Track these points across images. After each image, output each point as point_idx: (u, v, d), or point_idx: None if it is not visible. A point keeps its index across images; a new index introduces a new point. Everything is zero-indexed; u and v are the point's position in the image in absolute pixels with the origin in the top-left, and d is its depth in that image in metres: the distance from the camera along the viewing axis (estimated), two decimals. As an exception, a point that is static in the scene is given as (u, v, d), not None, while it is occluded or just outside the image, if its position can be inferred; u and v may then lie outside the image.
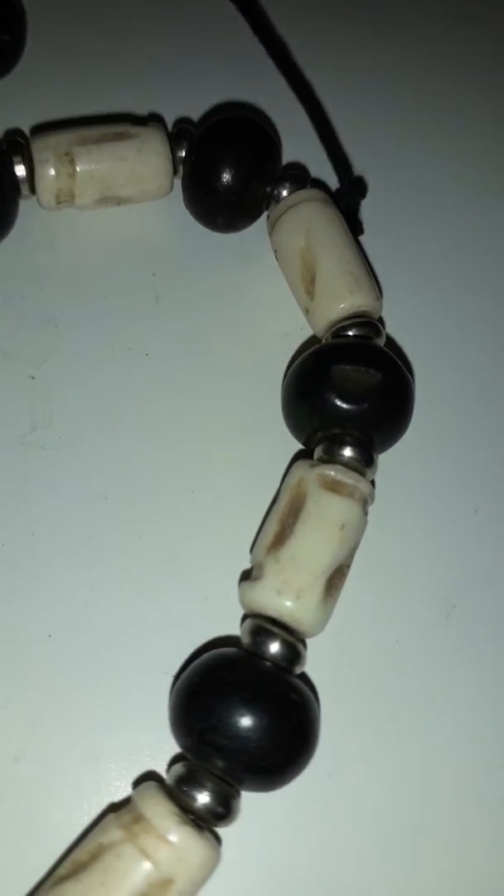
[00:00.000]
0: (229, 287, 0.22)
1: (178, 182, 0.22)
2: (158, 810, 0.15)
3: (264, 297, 0.21)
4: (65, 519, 0.19)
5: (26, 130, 0.22)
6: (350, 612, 0.18)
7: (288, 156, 0.23)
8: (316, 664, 0.18)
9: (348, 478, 0.17)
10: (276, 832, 0.17)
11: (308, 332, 0.21)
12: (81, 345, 0.21)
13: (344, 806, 0.18)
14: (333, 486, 0.17)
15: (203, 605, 0.19)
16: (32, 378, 0.20)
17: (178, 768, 0.16)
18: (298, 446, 0.20)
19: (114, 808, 0.16)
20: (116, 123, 0.21)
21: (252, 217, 0.21)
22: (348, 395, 0.18)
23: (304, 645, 0.17)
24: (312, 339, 0.21)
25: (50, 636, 0.18)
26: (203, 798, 0.15)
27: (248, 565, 0.18)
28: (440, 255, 0.23)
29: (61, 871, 0.15)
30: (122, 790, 0.17)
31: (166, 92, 0.23)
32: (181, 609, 0.19)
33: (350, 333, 0.19)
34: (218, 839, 0.16)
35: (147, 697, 0.18)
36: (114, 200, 0.21)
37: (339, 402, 0.18)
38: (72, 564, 0.19)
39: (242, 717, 0.15)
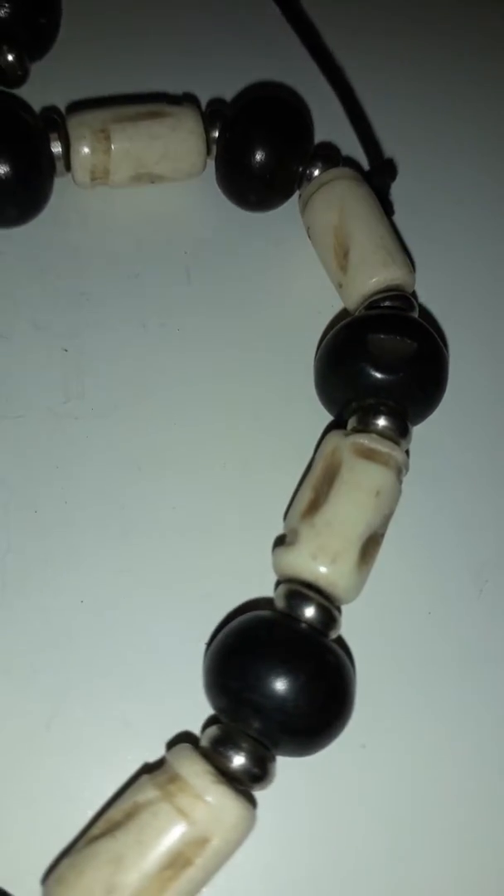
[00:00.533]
0: (260, 265, 0.22)
1: (210, 163, 0.22)
2: (194, 769, 0.15)
3: (295, 275, 0.22)
4: (98, 488, 0.19)
5: (62, 110, 0.23)
6: (382, 582, 0.18)
7: (319, 138, 0.23)
8: (347, 634, 0.18)
9: (383, 446, 0.18)
10: (308, 803, 0.17)
11: (339, 310, 0.21)
12: (114, 319, 0.21)
13: (377, 777, 0.18)
14: (368, 454, 0.17)
15: (235, 576, 0.18)
16: (65, 351, 0.20)
17: (213, 730, 0.16)
18: (329, 420, 0.20)
19: (148, 769, 0.16)
20: (151, 103, 0.21)
21: (284, 196, 0.22)
22: (383, 365, 0.18)
23: (339, 611, 0.17)
24: (344, 314, 0.21)
25: (82, 602, 0.18)
26: (239, 759, 0.15)
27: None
28: (470, 234, 0.23)
29: (94, 830, 0.15)
30: (156, 754, 0.17)
31: (199, 74, 0.23)
32: (213, 578, 0.18)
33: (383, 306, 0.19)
34: (253, 802, 0.16)
35: (179, 665, 0.18)
36: (147, 178, 0.21)
37: (373, 372, 0.18)
38: (104, 532, 0.19)
39: (280, 676, 0.15)
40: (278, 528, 0.19)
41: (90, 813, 0.16)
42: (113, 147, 0.20)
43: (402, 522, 0.18)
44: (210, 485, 0.19)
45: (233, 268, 0.22)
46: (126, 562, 0.18)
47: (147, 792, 0.15)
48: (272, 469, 0.20)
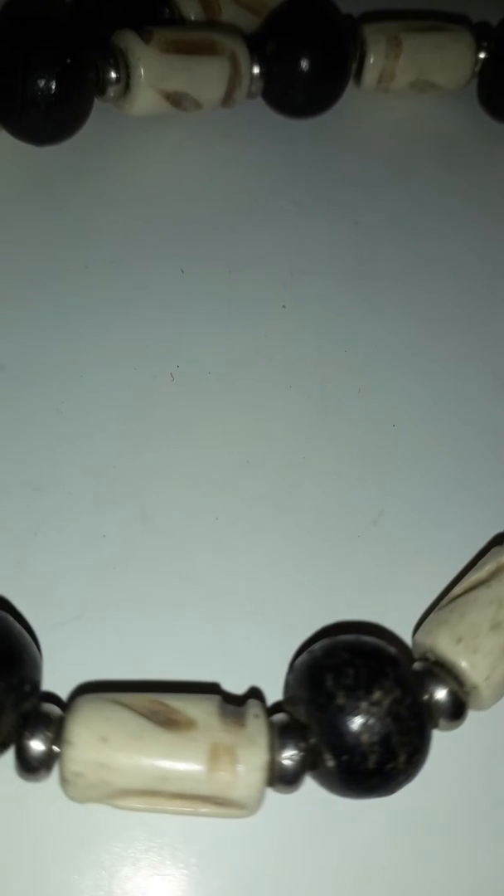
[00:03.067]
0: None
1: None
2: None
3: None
4: (393, 334, 0.22)
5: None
6: None
7: None
8: None
9: None
10: None
11: None
12: (390, 201, 0.23)
13: None
14: None
15: None
16: (356, 223, 0.23)
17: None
18: None
19: (499, 540, 0.18)
20: (433, 20, 0.24)
21: (538, 111, 0.25)
22: None
23: None
24: None
25: (393, 426, 0.20)
26: None
27: None
28: None
29: (457, 590, 0.17)
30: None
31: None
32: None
33: None
34: None
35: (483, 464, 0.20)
36: (421, 86, 0.24)
37: None
38: (407, 368, 0.21)
39: None
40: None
41: (437, 588, 0.18)
42: (403, 52, 0.23)
43: None
44: (486, 340, 0.22)
45: (488, 167, 0.24)
46: (432, 395, 0.21)
47: (510, 554, 0.17)
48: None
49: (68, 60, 0.19)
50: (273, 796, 0.15)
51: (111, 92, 0.21)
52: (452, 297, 0.22)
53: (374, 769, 0.15)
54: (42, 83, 0.19)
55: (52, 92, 0.19)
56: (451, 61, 0.24)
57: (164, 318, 0.21)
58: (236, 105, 0.23)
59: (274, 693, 0.17)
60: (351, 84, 0.24)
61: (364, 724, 0.15)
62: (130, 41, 0.21)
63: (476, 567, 0.17)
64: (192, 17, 0.23)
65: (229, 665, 0.17)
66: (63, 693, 0.17)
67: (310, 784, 0.16)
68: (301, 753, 0.15)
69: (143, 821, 0.16)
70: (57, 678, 0.17)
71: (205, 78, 0.21)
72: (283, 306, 0.22)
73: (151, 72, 0.21)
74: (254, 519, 0.19)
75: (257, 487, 0.19)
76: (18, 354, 0.20)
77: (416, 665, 0.16)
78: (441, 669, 0.16)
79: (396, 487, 0.20)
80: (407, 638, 0.18)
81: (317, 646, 0.16)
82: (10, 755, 0.15)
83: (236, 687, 0.17)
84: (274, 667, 0.17)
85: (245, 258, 0.22)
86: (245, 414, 0.20)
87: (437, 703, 0.16)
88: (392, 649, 0.16)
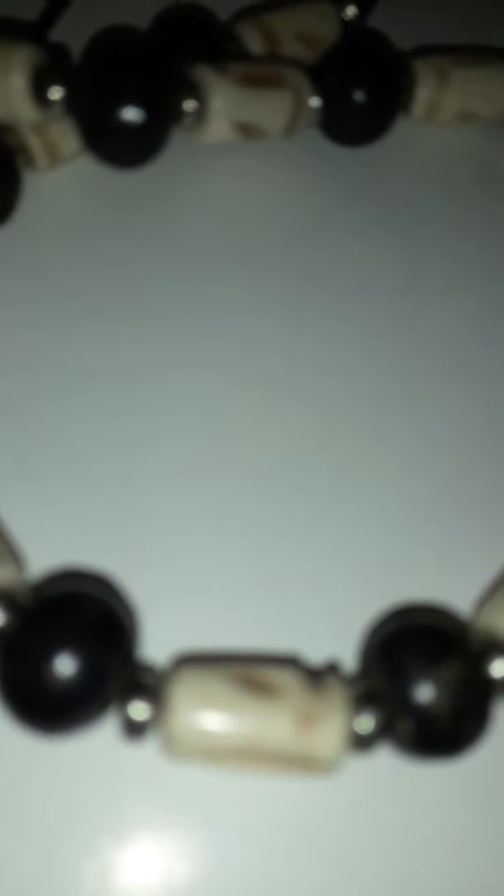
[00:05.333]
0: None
1: None
2: None
3: None
4: (438, 342, 0.23)
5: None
6: None
7: None
8: None
9: None
10: None
11: None
12: (437, 222, 0.25)
13: None
14: None
15: None
16: (407, 243, 0.25)
17: None
18: None
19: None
20: (478, 54, 0.26)
21: None
22: None
23: None
24: None
25: (447, 426, 0.22)
26: None
27: None
28: None
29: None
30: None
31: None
32: None
33: None
34: None
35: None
36: (466, 116, 0.26)
37: None
38: (453, 376, 0.23)
39: None
40: None
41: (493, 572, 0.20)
42: (451, 85, 0.25)
43: None
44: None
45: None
46: (482, 398, 0.23)
47: None
48: None
49: (155, 91, 0.21)
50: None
51: (186, 121, 0.23)
52: (500, 308, 0.24)
53: (446, 734, 0.17)
54: (132, 112, 0.21)
55: (141, 121, 0.21)
56: (493, 94, 0.26)
57: (235, 329, 0.23)
58: (296, 135, 0.25)
59: (347, 665, 0.18)
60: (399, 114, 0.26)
61: (438, 693, 0.16)
62: (207, 74, 0.22)
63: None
64: (255, 51, 0.25)
65: (303, 639, 0.19)
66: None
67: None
68: (377, 719, 0.17)
69: (217, 782, 0.18)
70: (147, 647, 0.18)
71: (272, 110, 0.23)
72: (344, 318, 0.23)
73: (226, 103, 0.23)
74: (323, 507, 0.21)
75: (324, 479, 0.21)
76: (104, 360, 0.22)
77: (477, 642, 0.18)
78: (499, 646, 0.18)
79: (452, 481, 0.21)
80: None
81: (389, 622, 0.18)
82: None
83: (311, 659, 0.19)
84: (344, 642, 0.19)
85: (307, 274, 0.24)
86: (310, 416, 0.22)
87: (497, 677, 0.18)
88: (456, 626, 0.18)
